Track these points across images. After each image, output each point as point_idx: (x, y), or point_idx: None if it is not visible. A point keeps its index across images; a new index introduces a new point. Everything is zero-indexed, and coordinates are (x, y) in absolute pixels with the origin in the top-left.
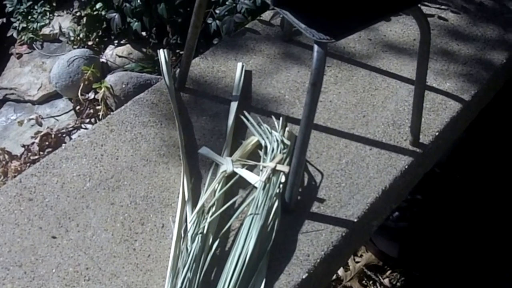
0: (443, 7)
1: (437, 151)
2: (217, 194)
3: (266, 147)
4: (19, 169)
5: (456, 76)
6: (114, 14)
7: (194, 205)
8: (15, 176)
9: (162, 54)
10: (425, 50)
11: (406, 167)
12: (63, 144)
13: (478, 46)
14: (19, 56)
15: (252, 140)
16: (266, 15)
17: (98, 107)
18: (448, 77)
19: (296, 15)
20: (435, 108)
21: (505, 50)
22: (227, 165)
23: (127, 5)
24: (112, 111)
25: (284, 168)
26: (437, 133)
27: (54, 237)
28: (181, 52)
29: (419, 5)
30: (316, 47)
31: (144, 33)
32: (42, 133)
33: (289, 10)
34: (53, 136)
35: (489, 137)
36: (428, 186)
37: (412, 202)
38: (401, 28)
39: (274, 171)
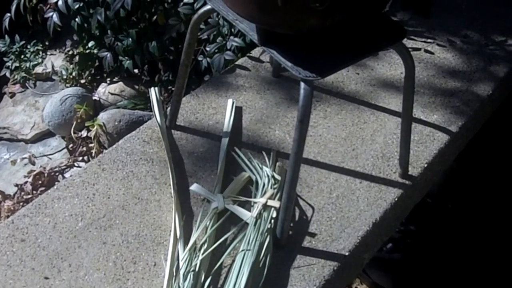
0: (429, 40)
1: (427, 183)
2: (208, 231)
3: (257, 182)
4: (12, 208)
5: (443, 108)
6: (106, 53)
7: (186, 243)
8: (8, 216)
9: (153, 92)
10: (410, 85)
11: (396, 199)
12: (55, 184)
13: (464, 78)
14: (12, 95)
15: (243, 175)
16: (256, 52)
17: (91, 145)
18: (435, 109)
19: (282, 53)
20: (423, 140)
21: (491, 81)
22: (218, 201)
23: (119, 44)
24: (105, 148)
25: (275, 203)
26: (425, 165)
27: (46, 278)
28: (173, 88)
29: (402, 42)
30: (302, 85)
31: (136, 71)
32: (35, 172)
33: (276, 49)
34: (46, 175)
35: (480, 166)
36: (420, 216)
37: (405, 233)
38: (388, 62)
39: (265, 207)
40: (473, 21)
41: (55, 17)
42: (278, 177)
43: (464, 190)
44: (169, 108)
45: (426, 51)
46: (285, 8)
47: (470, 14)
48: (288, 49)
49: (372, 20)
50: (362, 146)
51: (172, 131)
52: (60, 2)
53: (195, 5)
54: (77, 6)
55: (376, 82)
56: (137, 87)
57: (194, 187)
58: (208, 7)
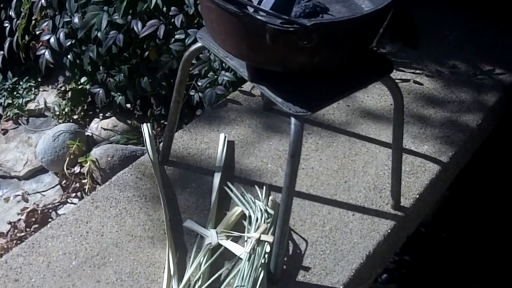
0: (417, 71)
1: (419, 214)
2: (202, 268)
3: (250, 217)
4: (5, 246)
5: (433, 138)
6: (99, 89)
7: (180, 280)
8: (1, 255)
9: (145, 128)
10: (400, 117)
11: (389, 231)
12: (49, 222)
13: (454, 108)
14: (5, 132)
15: (236, 210)
16: (247, 86)
17: (84, 181)
18: (425, 140)
19: (272, 89)
20: (414, 171)
21: (479, 111)
22: (212, 237)
23: (111, 80)
24: (99, 184)
25: (269, 238)
26: (417, 196)
27: None
28: (165, 123)
29: (390, 75)
30: (293, 120)
31: (128, 105)
32: (28, 210)
33: (266, 85)
34: (39, 212)
35: (473, 194)
36: (415, 246)
37: (400, 263)
38: (378, 94)
39: (259, 241)
40: (461, 52)
41: (47, 54)
42: (271, 211)
43: (457, 219)
44: (161, 144)
45: (415, 82)
46: (274, 46)
47: (458, 45)
48: (278, 85)
49: (360, 55)
50: (354, 178)
51: (165, 166)
52: (52, 40)
53: (186, 40)
54: (69, 43)
55: (367, 113)
56: (129, 122)
57: (187, 223)
58: (199, 44)
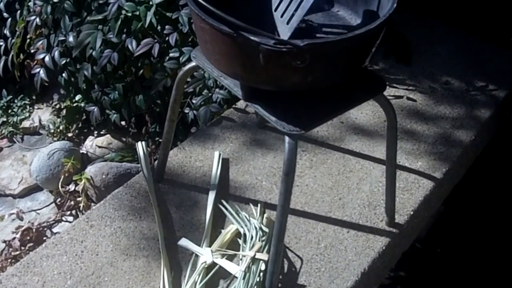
0: (410, 87)
1: (414, 230)
2: (197, 286)
3: (245, 235)
4: (0, 266)
5: (427, 154)
6: (93, 107)
7: None
8: None
9: (140, 147)
10: (393, 135)
11: (384, 248)
12: (44, 241)
13: (447, 124)
14: (0, 150)
15: (231, 228)
16: (241, 103)
17: (79, 199)
18: (419, 156)
19: (266, 108)
20: (408, 187)
21: (473, 126)
22: (206, 256)
23: (106, 98)
24: (93, 202)
25: (264, 256)
26: (412, 212)
27: None
28: (160, 140)
29: (383, 93)
30: (287, 139)
31: (123, 123)
32: (23, 228)
33: (260, 104)
34: (34, 230)
35: (467, 209)
36: (410, 262)
37: (396, 279)
38: (371, 110)
39: (254, 260)
40: (454, 68)
41: (42, 73)
42: (266, 229)
43: (452, 234)
44: (156, 162)
45: (408, 98)
46: (267, 66)
47: (451, 61)
48: (272, 104)
49: (353, 74)
50: (349, 195)
51: (160, 185)
52: (47, 58)
53: (180, 58)
54: (64, 61)
55: (360, 130)
56: (124, 139)
57: (182, 241)
58: (193, 64)
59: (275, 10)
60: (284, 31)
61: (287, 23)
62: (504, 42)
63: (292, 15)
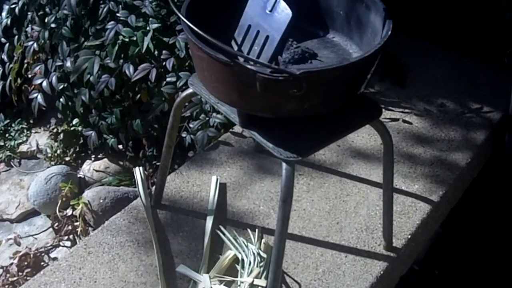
0: (406, 110)
1: (411, 254)
2: None
3: (243, 261)
4: None
5: (424, 177)
6: (91, 132)
7: None
8: None
9: (137, 172)
10: (390, 159)
11: (382, 272)
12: (42, 268)
13: (443, 147)
14: None
15: (229, 254)
16: (238, 128)
17: (76, 223)
18: (416, 179)
19: (263, 135)
20: (405, 211)
21: (469, 149)
22: (205, 282)
23: (103, 122)
24: (91, 226)
25: (262, 282)
26: (409, 236)
27: None
28: (157, 163)
29: (379, 119)
30: (284, 165)
31: (120, 146)
32: (20, 254)
33: (257, 131)
34: (31, 255)
35: (465, 231)
36: (408, 284)
37: None
38: (367, 134)
39: (252, 286)
40: (449, 90)
41: (39, 98)
42: (264, 254)
43: (450, 256)
44: (154, 187)
45: (404, 121)
46: (264, 94)
47: (445, 83)
48: (269, 130)
49: (349, 101)
50: (346, 219)
51: (157, 210)
52: (44, 83)
53: (177, 83)
54: (62, 86)
55: (357, 153)
56: (121, 163)
57: (180, 268)
58: (190, 90)
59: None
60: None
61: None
62: (499, 62)
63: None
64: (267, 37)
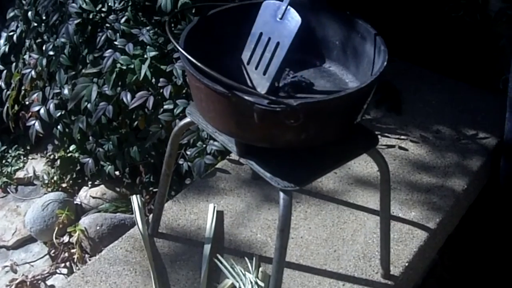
0: (402, 137)
1: (409, 282)
2: None
3: None
4: None
5: (420, 204)
6: (88, 159)
7: None
8: None
9: (135, 200)
10: (386, 188)
11: None
12: None
13: (439, 174)
14: None
15: (227, 283)
16: (235, 155)
17: (73, 250)
18: (412, 206)
19: (261, 164)
20: (402, 238)
21: (465, 175)
22: None
23: (100, 149)
24: (87, 253)
25: None
26: (406, 264)
27: None
28: (154, 190)
29: (376, 148)
30: (281, 195)
31: (117, 173)
32: (17, 281)
33: (254, 160)
34: (28, 283)
35: (462, 257)
36: None
37: None
38: (364, 161)
39: None
40: (444, 116)
41: (37, 125)
42: (261, 283)
43: (448, 281)
44: (151, 214)
45: (400, 147)
46: (262, 125)
47: (441, 110)
48: (266, 160)
49: (345, 131)
50: (343, 247)
51: (155, 238)
52: (42, 111)
53: (174, 111)
54: (59, 114)
55: (354, 181)
56: (118, 189)
57: None
58: (187, 119)
59: (248, 63)
60: (262, 82)
61: (264, 74)
62: (494, 88)
63: (268, 65)
64: (278, 43)
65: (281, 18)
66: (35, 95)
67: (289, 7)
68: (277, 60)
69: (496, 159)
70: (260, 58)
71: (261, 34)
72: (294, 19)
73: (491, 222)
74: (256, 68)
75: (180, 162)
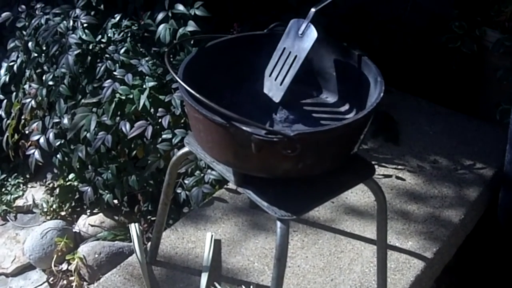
0: (399, 167)
1: None
2: None
3: None
4: None
5: (417, 234)
6: (87, 187)
7: None
8: None
9: (133, 228)
10: (383, 218)
11: None
12: None
13: (436, 204)
14: None
15: None
16: (233, 184)
17: (71, 278)
18: (409, 236)
19: (258, 193)
20: (399, 267)
21: (462, 205)
22: None
23: (99, 178)
24: (86, 281)
25: None
26: None
27: None
28: (153, 218)
29: (373, 178)
30: (278, 224)
31: (116, 201)
32: None
33: (252, 189)
34: None
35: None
36: None
37: None
38: (361, 190)
39: None
40: (441, 146)
41: (36, 154)
42: None
43: None
44: (149, 243)
45: (397, 177)
46: (259, 155)
47: (438, 140)
48: (263, 189)
49: (343, 161)
50: (340, 276)
51: (153, 266)
52: (41, 140)
53: (173, 140)
54: (59, 143)
55: (351, 210)
56: (117, 218)
57: None
58: (186, 149)
59: (270, 75)
60: (277, 93)
61: (280, 85)
62: (491, 119)
63: (285, 76)
64: (296, 56)
65: (301, 34)
66: (35, 124)
67: (309, 24)
68: (293, 72)
69: (493, 189)
70: (280, 70)
71: (284, 49)
72: (312, 34)
73: (488, 251)
74: (275, 80)
75: (178, 191)
